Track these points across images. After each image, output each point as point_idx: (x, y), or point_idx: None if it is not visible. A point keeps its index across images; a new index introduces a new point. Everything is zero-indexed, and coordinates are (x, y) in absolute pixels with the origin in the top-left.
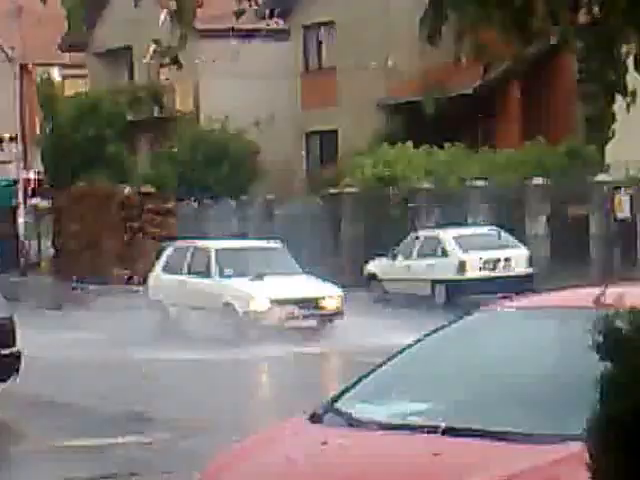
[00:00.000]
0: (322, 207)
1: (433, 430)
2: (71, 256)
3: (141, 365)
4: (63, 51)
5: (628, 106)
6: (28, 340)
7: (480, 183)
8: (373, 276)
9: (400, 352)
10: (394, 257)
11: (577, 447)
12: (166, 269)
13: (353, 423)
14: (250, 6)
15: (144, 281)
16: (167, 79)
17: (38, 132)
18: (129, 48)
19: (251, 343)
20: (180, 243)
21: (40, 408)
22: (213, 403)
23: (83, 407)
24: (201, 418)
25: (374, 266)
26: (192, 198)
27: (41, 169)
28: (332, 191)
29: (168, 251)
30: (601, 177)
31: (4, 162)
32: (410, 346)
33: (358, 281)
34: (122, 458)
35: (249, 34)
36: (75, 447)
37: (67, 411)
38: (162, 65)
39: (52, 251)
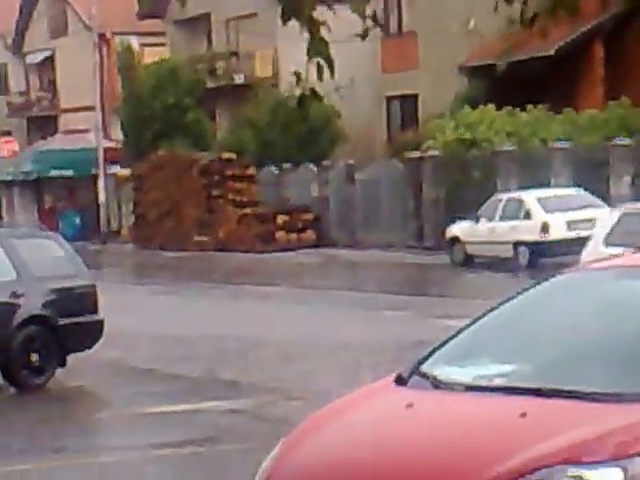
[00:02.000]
0: (403, 171)
1: (520, 391)
2: (151, 224)
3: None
4: (141, 19)
5: None
6: (110, 308)
7: (563, 144)
8: (455, 239)
9: (485, 314)
10: (476, 220)
11: None
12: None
13: (439, 385)
14: None
15: None
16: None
17: (117, 101)
18: (208, 15)
19: None
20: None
21: (123, 375)
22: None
23: (167, 373)
24: (295, 384)
25: (456, 229)
26: (272, 164)
27: (121, 138)
28: (413, 155)
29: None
30: None
31: (84, 131)
32: (495, 308)
33: (440, 244)
34: (206, 424)
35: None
36: (159, 413)
37: (151, 378)
38: None
39: (132, 219)
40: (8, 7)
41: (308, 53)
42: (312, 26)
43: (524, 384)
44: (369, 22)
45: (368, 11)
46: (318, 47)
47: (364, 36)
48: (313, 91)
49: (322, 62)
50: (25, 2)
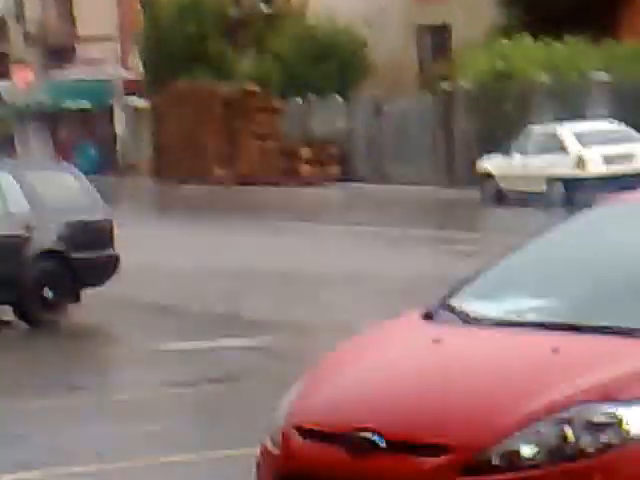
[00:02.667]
0: (433, 103)
1: (552, 327)
2: (170, 157)
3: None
4: None
5: None
6: (126, 242)
7: (601, 76)
8: (487, 173)
9: (515, 249)
10: (509, 154)
11: None
12: None
13: (467, 320)
14: None
15: None
16: None
17: (137, 30)
18: None
19: None
20: None
21: (139, 311)
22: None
23: (184, 310)
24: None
25: (488, 163)
26: (297, 96)
27: (139, 68)
28: (444, 87)
29: None
30: None
31: (101, 61)
32: (526, 243)
33: (471, 179)
34: (224, 362)
35: None
36: (175, 351)
37: (167, 314)
38: None
39: (151, 152)
40: None
41: None
42: None
43: (557, 319)
44: None
45: None
46: None
47: None
48: None
49: None
50: None
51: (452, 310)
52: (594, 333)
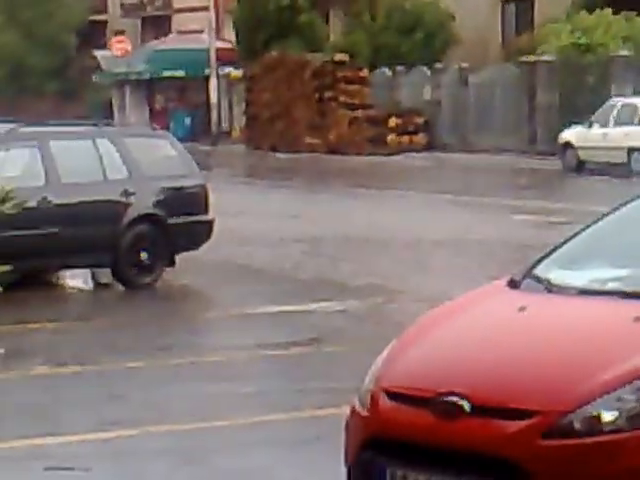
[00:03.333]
0: (517, 75)
1: (634, 296)
2: (262, 125)
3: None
4: None
5: None
6: (221, 208)
7: None
8: (568, 144)
9: (599, 219)
10: (590, 125)
11: None
12: None
13: (551, 289)
14: None
15: None
16: None
17: (231, 1)
18: None
19: None
20: None
21: (232, 275)
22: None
23: (276, 274)
24: (404, 285)
25: (569, 134)
26: (385, 67)
27: (234, 39)
28: (528, 59)
29: None
30: None
31: (197, 31)
32: (609, 213)
33: (553, 149)
34: (314, 325)
35: None
36: (266, 314)
37: (259, 278)
38: None
39: (244, 120)
40: None
41: None
42: None
43: (639, 289)
44: None
45: None
46: None
47: None
48: None
49: None
50: None
51: (537, 279)
52: None
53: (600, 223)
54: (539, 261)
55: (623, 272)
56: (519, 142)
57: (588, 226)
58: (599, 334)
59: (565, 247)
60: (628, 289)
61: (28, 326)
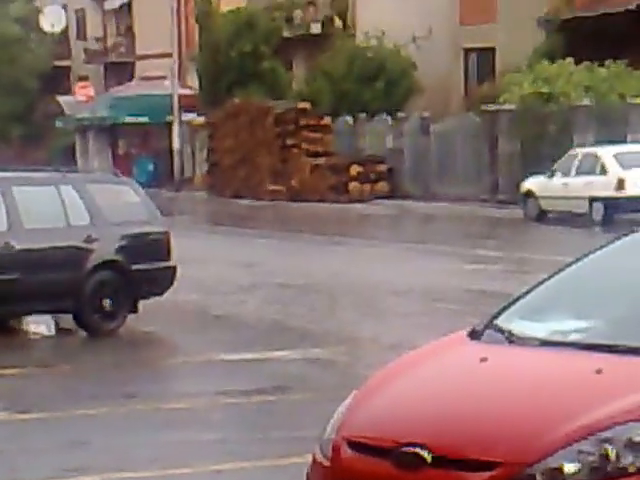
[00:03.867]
0: (479, 124)
1: (595, 348)
2: (225, 172)
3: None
4: None
5: None
6: (182, 254)
7: None
8: (530, 193)
9: (560, 270)
10: (551, 174)
11: None
12: None
13: (513, 340)
14: None
15: None
16: None
17: (194, 48)
18: None
19: None
20: None
21: (194, 321)
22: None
23: (238, 321)
24: (366, 334)
25: (531, 183)
26: (347, 114)
27: (196, 85)
28: (489, 108)
29: None
30: None
31: (160, 78)
32: (570, 264)
33: (514, 198)
34: (277, 373)
35: None
36: (229, 361)
37: (222, 325)
38: None
39: (206, 167)
40: None
41: None
42: None
43: (600, 340)
44: None
45: None
46: None
47: None
48: None
49: None
50: None
51: (498, 330)
52: (636, 355)
53: (562, 274)
54: (500, 312)
55: (585, 323)
56: (481, 191)
57: (550, 276)
58: (561, 386)
59: (527, 298)
60: (590, 341)
61: None
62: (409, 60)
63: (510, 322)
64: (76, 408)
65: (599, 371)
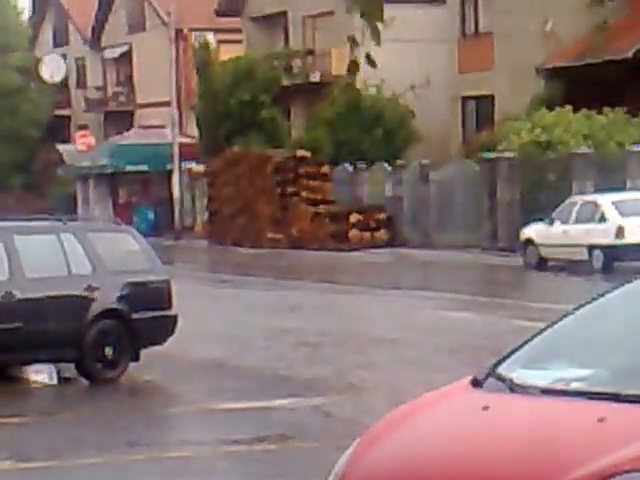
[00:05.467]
0: (478, 172)
1: (597, 396)
2: (225, 220)
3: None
4: (219, 16)
5: None
6: (183, 302)
7: (639, 148)
8: (529, 241)
9: (562, 318)
10: (551, 222)
11: None
12: None
13: (515, 388)
14: None
15: None
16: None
17: (193, 97)
18: (285, 13)
19: None
20: None
21: (196, 370)
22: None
23: (239, 369)
24: (366, 382)
25: (530, 231)
26: (347, 162)
27: (196, 133)
28: (488, 156)
29: None
30: None
31: (159, 126)
32: (572, 312)
33: (514, 246)
34: (279, 422)
35: None
36: (231, 410)
37: (223, 373)
38: None
39: (206, 215)
40: (87, 1)
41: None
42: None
43: (602, 389)
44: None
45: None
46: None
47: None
48: (368, 56)
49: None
50: None
51: (500, 378)
52: (637, 403)
53: (563, 321)
54: (502, 360)
55: (586, 372)
56: (480, 239)
57: (551, 324)
58: (563, 435)
59: (528, 346)
60: (592, 389)
61: None
62: (407, 108)
63: (512, 370)
64: (78, 457)
65: (602, 420)
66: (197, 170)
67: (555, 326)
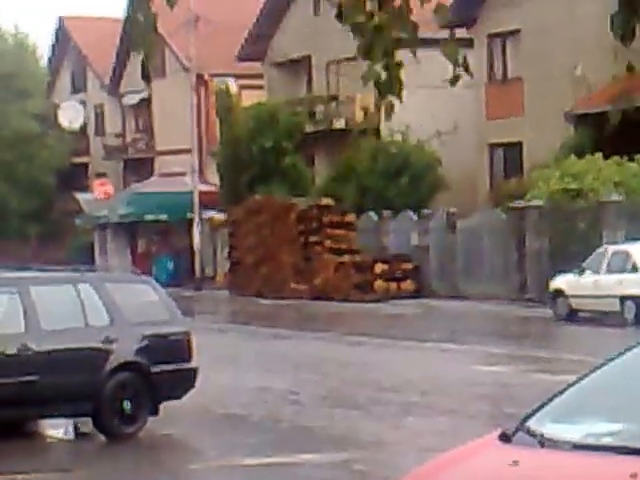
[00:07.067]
0: (506, 220)
1: (629, 451)
2: (247, 270)
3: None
4: (240, 61)
5: None
6: (204, 355)
7: None
8: (559, 292)
9: (592, 371)
10: (581, 272)
11: None
12: None
13: (545, 443)
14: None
15: None
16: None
17: (214, 144)
18: (308, 58)
19: None
20: None
21: (216, 424)
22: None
23: (261, 423)
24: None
25: (560, 281)
26: (371, 211)
27: (217, 181)
28: (516, 204)
29: None
30: None
31: (180, 174)
32: (603, 364)
33: (543, 297)
34: (304, 478)
35: (430, 43)
36: (252, 466)
37: (244, 427)
38: None
39: (227, 265)
40: (106, 47)
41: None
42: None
43: (634, 444)
44: (460, 68)
45: (460, 57)
46: (392, 87)
47: (453, 82)
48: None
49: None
50: (123, 42)
51: (530, 433)
52: None
53: (594, 375)
54: (532, 414)
55: (618, 426)
56: (508, 289)
57: (581, 378)
58: None
59: (558, 399)
60: (624, 444)
61: (7, 477)
62: (434, 155)
63: (542, 425)
64: None
65: (634, 475)
66: (218, 219)
67: (585, 379)
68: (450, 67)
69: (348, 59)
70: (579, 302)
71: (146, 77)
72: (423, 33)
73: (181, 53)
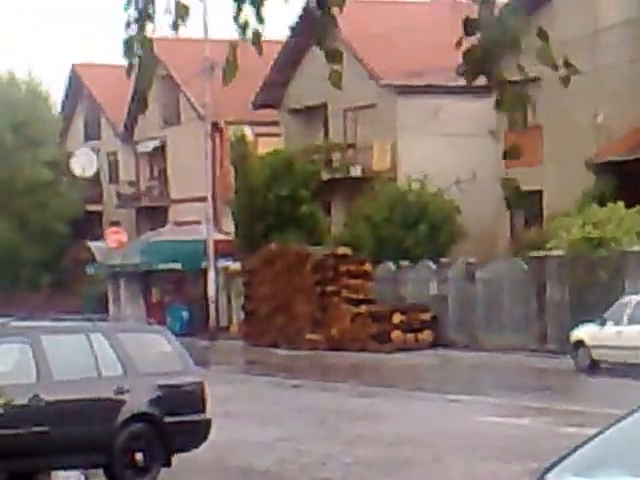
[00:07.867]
0: (526, 270)
1: None
2: (262, 320)
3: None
4: (256, 108)
5: None
6: (218, 405)
7: None
8: (580, 343)
9: (614, 424)
10: (603, 323)
11: None
12: None
13: None
14: None
15: None
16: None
17: (229, 192)
18: (324, 105)
19: None
20: None
21: (229, 477)
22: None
23: (277, 477)
24: None
25: (581, 332)
26: (389, 260)
27: (232, 230)
28: (537, 253)
29: None
30: None
31: (194, 222)
32: (625, 417)
33: (564, 348)
34: None
35: (449, 91)
36: None
37: None
38: None
39: (242, 315)
40: (119, 95)
41: None
42: None
43: None
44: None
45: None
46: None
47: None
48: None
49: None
50: (137, 90)
51: None
52: None
53: (616, 427)
54: (552, 467)
55: None
56: (528, 340)
57: (603, 430)
58: None
59: (579, 452)
60: None
61: None
62: (452, 204)
63: (562, 478)
64: None
65: None
66: (233, 268)
67: (607, 432)
68: (467, 116)
69: (365, 107)
70: (601, 353)
71: (143, 102)
72: (441, 81)
73: (196, 100)
